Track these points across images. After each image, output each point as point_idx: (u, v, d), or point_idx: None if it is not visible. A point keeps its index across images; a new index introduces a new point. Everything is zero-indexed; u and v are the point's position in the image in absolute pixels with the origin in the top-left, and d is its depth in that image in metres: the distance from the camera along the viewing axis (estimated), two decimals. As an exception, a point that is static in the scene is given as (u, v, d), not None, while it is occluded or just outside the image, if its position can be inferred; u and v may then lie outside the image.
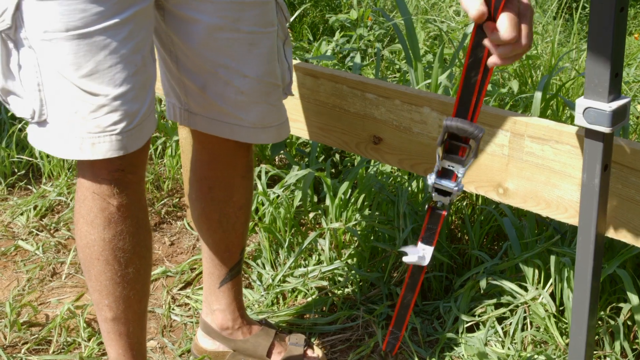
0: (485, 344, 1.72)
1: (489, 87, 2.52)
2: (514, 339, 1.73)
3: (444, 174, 1.12)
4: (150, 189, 2.58)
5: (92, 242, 1.35)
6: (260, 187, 2.24)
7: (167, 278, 2.13)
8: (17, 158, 2.75)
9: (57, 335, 1.86)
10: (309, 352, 1.73)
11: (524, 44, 0.98)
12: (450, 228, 2.10)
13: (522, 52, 1.01)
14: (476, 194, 2.11)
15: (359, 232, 2.06)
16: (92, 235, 1.34)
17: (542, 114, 2.17)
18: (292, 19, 3.97)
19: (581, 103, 1.07)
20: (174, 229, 2.41)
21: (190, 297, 2.03)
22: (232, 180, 1.58)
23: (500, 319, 1.79)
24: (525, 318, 1.75)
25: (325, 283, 2.00)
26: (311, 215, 2.27)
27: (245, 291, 2.00)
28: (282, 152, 2.53)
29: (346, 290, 1.98)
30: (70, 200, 2.54)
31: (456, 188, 1.13)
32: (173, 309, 1.98)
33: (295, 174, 2.25)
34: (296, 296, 1.99)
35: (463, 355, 1.72)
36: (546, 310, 1.73)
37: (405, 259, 1.17)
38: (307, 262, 2.10)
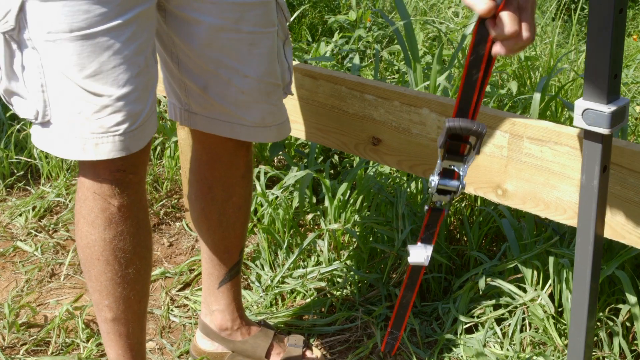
0: (484, 345, 1.73)
1: (488, 89, 2.52)
2: (513, 340, 1.73)
3: (446, 173, 1.12)
4: (149, 190, 2.58)
5: (92, 243, 1.35)
6: (259, 188, 2.24)
7: (166, 279, 2.13)
8: (16, 159, 2.75)
9: (56, 336, 1.86)
10: (308, 353, 1.73)
11: (526, 37, 0.98)
12: (449, 229, 2.10)
13: (525, 44, 1.02)
14: (475, 195, 2.11)
15: (357, 233, 2.06)
16: (92, 235, 1.34)
17: (541, 115, 2.17)
18: (291, 20, 3.97)
19: (580, 104, 1.07)
20: (172, 230, 2.41)
21: (189, 298, 2.03)
22: (232, 180, 1.58)
23: (499, 320, 1.79)
24: (524, 319, 1.75)
25: (324, 284, 2.00)
26: (310, 216, 2.27)
27: (244, 292, 2.00)
28: (281, 153, 2.53)
29: (345, 291, 1.98)
30: (69, 201, 2.53)
31: (460, 186, 1.12)
32: (172, 310, 1.98)
33: (294, 175, 2.25)
34: (295, 297, 1.99)
35: (462, 356, 1.72)
36: (545, 312, 1.73)
37: (410, 259, 1.16)
38: (305, 263, 2.10)
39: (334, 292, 1.97)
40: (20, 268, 2.19)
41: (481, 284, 1.81)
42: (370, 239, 2.04)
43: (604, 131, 1.06)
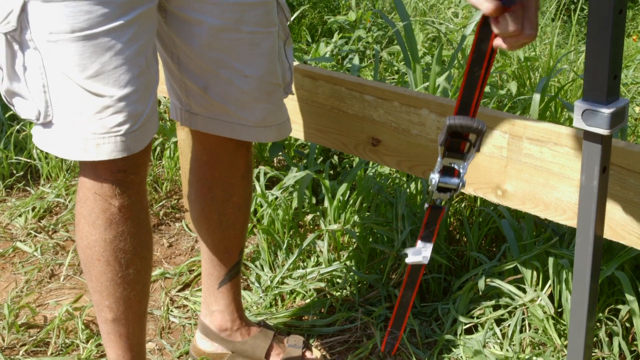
0: (484, 346, 1.73)
1: (488, 89, 2.52)
2: (513, 341, 1.73)
3: (446, 171, 1.12)
4: (149, 190, 2.58)
5: (93, 243, 1.35)
6: (258, 189, 2.24)
7: (166, 280, 2.13)
8: (16, 159, 2.75)
9: (56, 337, 1.85)
10: (308, 354, 1.73)
11: (528, 35, 0.99)
12: (449, 230, 2.10)
13: (528, 41, 1.02)
14: (475, 196, 2.11)
15: (357, 234, 2.07)
16: (93, 235, 1.34)
17: (541, 116, 2.17)
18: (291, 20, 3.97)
19: (580, 105, 1.07)
20: (172, 231, 2.41)
21: (188, 299, 2.03)
22: (232, 180, 1.59)
23: (499, 321, 1.79)
24: (523, 320, 1.75)
25: (323, 285, 2.00)
26: (310, 216, 2.27)
27: (243, 293, 2.00)
28: (280, 153, 2.53)
29: (344, 291, 1.98)
30: (69, 202, 2.53)
31: (460, 183, 1.13)
32: (171, 311, 1.98)
33: (293, 175, 2.25)
34: (295, 298, 1.99)
35: (461, 357, 1.72)
36: (544, 312, 1.73)
37: (408, 259, 1.17)
38: (305, 263, 2.10)
39: (334, 293, 1.97)
40: (20, 269, 2.19)
41: (481, 284, 1.81)
42: (370, 239, 2.04)
43: (604, 132, 1.07)
